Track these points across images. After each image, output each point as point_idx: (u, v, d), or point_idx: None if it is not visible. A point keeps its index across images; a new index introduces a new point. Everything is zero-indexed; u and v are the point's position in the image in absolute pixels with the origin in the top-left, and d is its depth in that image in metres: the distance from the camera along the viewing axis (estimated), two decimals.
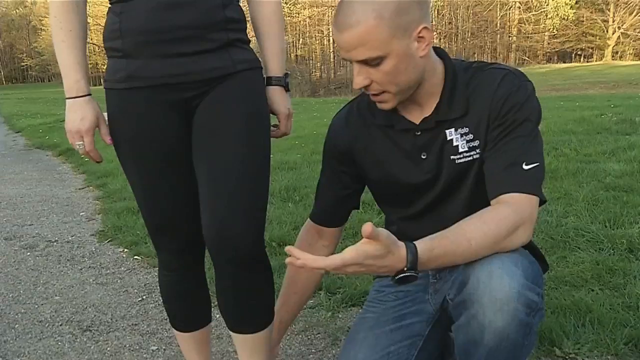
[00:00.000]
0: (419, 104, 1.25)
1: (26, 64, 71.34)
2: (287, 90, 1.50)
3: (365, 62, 1.14)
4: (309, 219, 1.57)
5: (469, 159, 1.25)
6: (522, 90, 1.18)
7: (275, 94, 1.47)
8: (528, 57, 45.93)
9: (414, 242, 1.07)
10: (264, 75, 1.47)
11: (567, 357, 1.75)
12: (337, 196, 1.47)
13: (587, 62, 42.82)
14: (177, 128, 1.37)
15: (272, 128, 1.48)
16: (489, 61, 1.27)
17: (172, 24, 1.27)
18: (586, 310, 1.96)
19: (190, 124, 1.38)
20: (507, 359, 1.11)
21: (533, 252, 1.31)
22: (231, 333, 1.51)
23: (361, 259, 1.01)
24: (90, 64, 53.39)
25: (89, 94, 1.37)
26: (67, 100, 1.36)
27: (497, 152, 1.20)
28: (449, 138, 1.25)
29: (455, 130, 1.24)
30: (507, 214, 1.14)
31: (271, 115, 1.47)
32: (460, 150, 1.24)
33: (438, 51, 1.28)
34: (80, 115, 1.34)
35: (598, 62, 39.47)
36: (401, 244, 1.05)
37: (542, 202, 1.19)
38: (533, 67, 36.86)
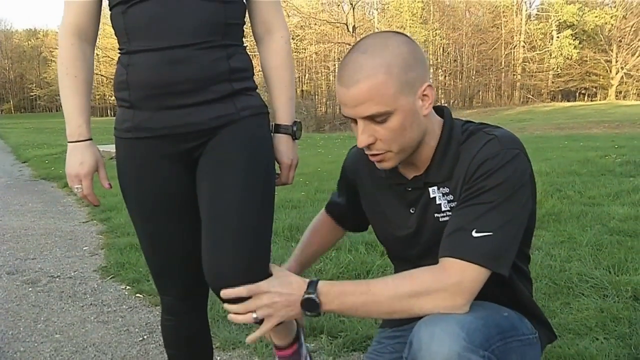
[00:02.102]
0: (413, 163, 1.26)
1: (35, 94, 72.20)
2: (295, 138, 1.50)
3: (371, 119, 1.14)
4: (323, 209, 1.66)
5: (448, 218, 1.24)
6: (499, 157, 1.14)
7: (282, 142, 1.48)
8: (532, 96, 46.22)
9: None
10: (273, 122, 1.49)
11: None
12: (348, 205, 1.54)
13: (591, 101, 43.05)
14: (179, 178, 1.39)
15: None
16: (488, 122, 1.25)
17: (175, 79, 1.29)
18: None
19: (193, 173, 1.39)
20: None
21: (536, 319, 1.30)
22: None
23: (269, 286, 1.22)
24: (98, 94, 53.97)
25: (90, 139, 1.40)
26: (69, 144, 1.39)
27: (454, 215, 1.19)
28: (432, 196, 1.25)
29: (438, 189, 1.24)
30: (425, 276, 1.15)
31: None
32: (443, 209, 1.24)
33: (440, 109, 1.29)
34: (80, 159, 1.37)
35: (602, 102, 39.67)
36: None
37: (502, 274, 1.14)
38: (537, 106, 37.07)
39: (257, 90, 1.45)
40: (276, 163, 1.49)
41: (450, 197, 1.23)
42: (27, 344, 2.47)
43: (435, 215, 1.25)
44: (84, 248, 4.15)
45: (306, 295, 1.19)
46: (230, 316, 1.25)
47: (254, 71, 1.46)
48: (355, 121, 1.17)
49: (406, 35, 1.17)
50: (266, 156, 1.42)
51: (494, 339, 1.12)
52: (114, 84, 1.39)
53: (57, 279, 3.40)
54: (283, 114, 1.49)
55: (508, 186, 1.13)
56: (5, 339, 2.53)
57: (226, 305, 1.27)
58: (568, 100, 43.99)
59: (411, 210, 1.29)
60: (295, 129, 1.49)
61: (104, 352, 2.36)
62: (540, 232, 3.70)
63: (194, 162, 1.38)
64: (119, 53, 1.37)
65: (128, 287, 3.17)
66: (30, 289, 3.23)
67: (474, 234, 1.13)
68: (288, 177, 1.51)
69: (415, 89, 1.14)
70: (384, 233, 1.39)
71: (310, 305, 1.18)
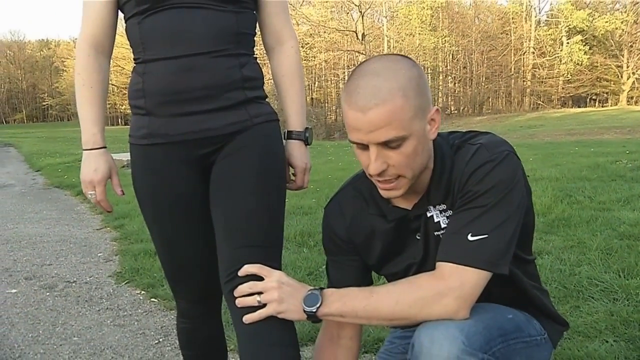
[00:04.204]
0: (414, 190, 1.23)
1: (47, 104, 72.88)
2: (307, 144, 1.54)
3: (386, 145, 1.11)
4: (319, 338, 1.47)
5: None
6: (489, 162, 1.15)
7: (295, 148, 1.52)
8: (542, 102, 46.04)
9: None
10: (284, 129, 1.53)
11: None
12: (351, 282, 1.34)
13: (602, 106, 42.81)
14: (194, 183, 1.43)
15: (289, 179, 1.53)
16: (498, 129, 1.26)
17: (190, 86, 1.34)
18: None
19: (207, 180, 1.43)
20: None
21: (545, 314, 1.33)
22: None
23: (284, 279, 1.26)
24: (109, 103, 54.40)
25: (104, 147, 1.45)
26: (84, 152, 1.44)
27: (450, 222, 1.21)
28: (429, 215, 1.26)
29: (434, 207, 1.25)
30: (425, 283, 1.16)
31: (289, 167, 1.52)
32: (443, 226, 1.24)
33: None
34: (94, 166, 1.42)
35: (613, 107, 39.40)
36: None
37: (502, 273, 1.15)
38: (547, 112, 36.89)
39: (267, 99, 1.50)
40: (290, 168, 1.53)
41: (449, 212, 1.23)
42: (47, 346, 2.53)
43: (436, 233, 1.25)
44: (99, 254, 4.21)
45: (311, 291, 1.24)
46: (238, 300, 1.28)
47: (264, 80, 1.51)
48: (363, 147, 1.14)
49: (410, 58, 1.17)
50: (278, 162, 1.46)
51: (495, 341, 1.14)
52: (129, 92, 1.44)
53: (74, 284, 3.46)
54: (295, 120, 1.53)
55: (500, 188, 1.14)
56: (26, 341, 2.59)
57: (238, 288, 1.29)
58: (579, 106, 43.78)
59: (417, 237, 1.28)
60: (307, 135, 1.54)
61: (120, 354, 2.41)
62: (550, 236, 3.71)
63: (208, 168, 1.42)
64: (135, 63, 1.42)
65: (143, 292, 3.22)
66: (47, 294, 3.29)
67: (470, 237, 1.14)
68: (303, 180, 1.55)
69: (426, 113, 1.13)
70: (394, 269, 1.35)
71: (311, 299, 1.22)
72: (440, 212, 1.24)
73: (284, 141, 1.52)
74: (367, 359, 2.18)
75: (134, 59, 1.41)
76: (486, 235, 1.13)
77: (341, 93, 1.17)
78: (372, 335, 2.30)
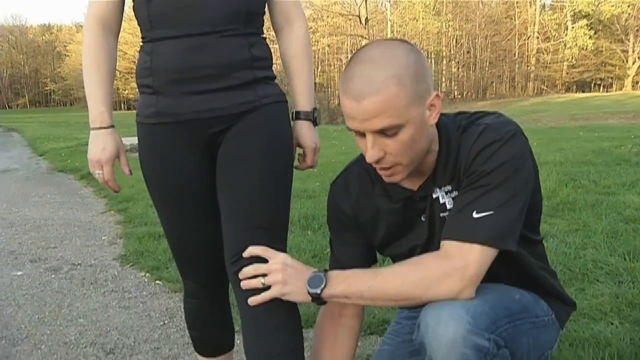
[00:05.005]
0: (419, 171, 1.23)
1: (50, 89, 72.81)
2: (315, 124, 1.54)
3: (382, 132, 1.10)
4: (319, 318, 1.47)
5: None
6: (495, 143, 1.15)
7: (303, 128, 1.51)
8: (546, 87, 45.82)
9: None
10: (292, 110, 1.52)
11: None
12: (356, 262, 1.37)
13: (607, 91, 42.58)
14: (201, 163, 1.42)
15: (298, 159, 1.52)
16: (494, 111, 1.23)
17: (199, 64, 1.33)
18: (605, 343, 1.95)
19: (214, 159, 1.42)
20: None
21: (552, 295, 1.33)
22: None
23: (288, 261, 1.26)
24: None
25: (112, 126, 1.44)
26: (91, 131, 1.43)
27: (455, 202, 1.20)
28: (435, 196, 1.25)
29: (440, 188, 1.24)
30: (430, 263, 1.16)
31: (298, 148, 1.52)
32: (448, 207, 1.23)
33: None
34: (101, 145, 1.41)
35: (618, 92, 39.20)
36: None
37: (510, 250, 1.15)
38: (552, 97, 36.73)
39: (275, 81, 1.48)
40: (298, 148, 1.52)
41: (455, 193, 1.22)
42: (53, 327, 2.54)
43: (441, 215, 1.24)
44: (103, 237, 4.22)
45: (315, 273, 1.24)
46: (242, 282, 1.29)
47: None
48: (361, 134, 1.14)
49: (410, 43, 1.16)
50: (286, 144, 1.45)
51: (502, 321, 1.13)
52: (137, 71, 1.43)
53: (79, 267, 3.48)
54: (303, 101, 1.52)
55: (507, 167, 1.13)
56: (32, 322, 2.60)
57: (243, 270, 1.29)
58: (583, 91, 43.55)
59: (422, 219, 1.28)
60: (315, 115, 1.53)
61: (126, 335, 2.42)
62: (555, 220, 3.71)
63: (215, 149, 1.42)
64: (142, 42, 1.40)
65: (148, 274, 3.23)
66: (53, 276, 3.31)
67: (475, 214, 1.13)
68: (313, 160, 1.54)
69: (424, 99, 1.12)
70: (398, 250, 1.34)
71: (316, 281, 1.22)
72: (446, 193, 1.23)
73: (291, 122, 1.51)
74: (373, 340, 2.19)
75: (142, 38, 1.40)
76: (491, 212, 1.12)
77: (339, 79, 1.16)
78: (377, 317, 2.30)
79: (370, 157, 1.13)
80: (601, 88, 45.92)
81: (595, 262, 2.78)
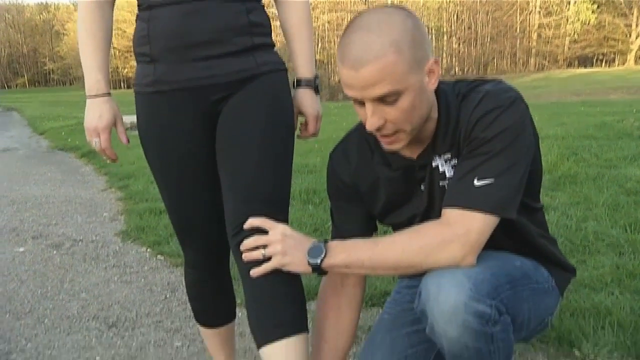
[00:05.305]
0: (419, 139, 1.21)
1: (48, 68, 72.45)
2: (317, 92, 1.52)
3: (382, 100, 1.09)
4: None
5: None
6: (495, 109, 1.13)
7: (305, 95, 1.49)
8: (548, 62, 45.53)
9: None
10: (294, 77, 1.50)
11: (586, 359, 1.76)
12: (356, 230, 1.35)
13: (609, 67, 42.31)
14: (201, 132, 1.40)
15: (300, 128, 1.51)
16: (493, 78, 1.21)
17: (196, 29, 1.31)
18: (606, 313, 1.96)
19: (214, 129, 1.41)
20: None
21: (552, 262, 1.33)
22: (261, 351, 1.30)
23: (288, 231, 1.25)
24: (110, 67, 54.05)
25: (108, 94, 1.42)
26: (87, 100, 1.41)
27: (456, 170, 1.18)
28: (434, 165, 1.23)
29: (440, 156, 1.22)
30: (430, 230, 1.15)
31: (299, 117, 1.50)
32: (448, 175, 1.22)
33: None
34: (98, 113, 1.39)
35: (620, 67, 38.96)
36: None
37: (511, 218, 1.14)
38: (553, 72, 36.53)
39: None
40: (299, 117, 1.51)
41: (454, 161, 1.21)
42: (55, 302, 2.56)
43: (441, 184, 1.23)
44: (104, 214, 4.23)
45: (315, 243, 1.23)
46: (244, 255, 1.27)
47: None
48: (360, 103, 1.12)
49: (407, 9, 1.13)
50: (286, 114, 1.43)
51: (503, 288, 1.13)
52: (134, 40, 1.40)
53: (80, 243, 3.48)
54: (305, 68, 1.50)
55: (508, 134, 1.12)
56: (35, 297, 2.62)
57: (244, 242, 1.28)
58: (585, 67, 43.26)
59: (422, 188, 1.26)
60: (317, 82, 1.51)
61: (128, 309, 2.43)
62: (556, 193, 3.70)
63: (214, 117, 1.40)
64: (139, 10, 1.38)
65: (149, 250, 3.24)
66: (54, 252, 3.32)
67: (476, 182, 1.12)
68: (316, 127, 1.53)
69: (423, 65, 1.10)
70: (398, 219, 1.33)
71: (315, 251, 1.21)
72: (446, 161, 1.22)
73: (292, 90, 1.49)
74: (374, 312, 2.20)
75: (138, 6, 1.38)
76: (492, 180, 1.11)
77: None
78: (379, 289, 2.31)
79: (370, 126, 1.12)
80: (603, 63, 45.60)
81: (597, 234, 2.78)
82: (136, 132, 1.45)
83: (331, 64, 42.59)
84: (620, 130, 6.29)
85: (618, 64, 43.29)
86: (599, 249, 2.61)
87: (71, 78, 68.38)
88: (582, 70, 38.40)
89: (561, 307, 1.97)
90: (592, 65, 44.61)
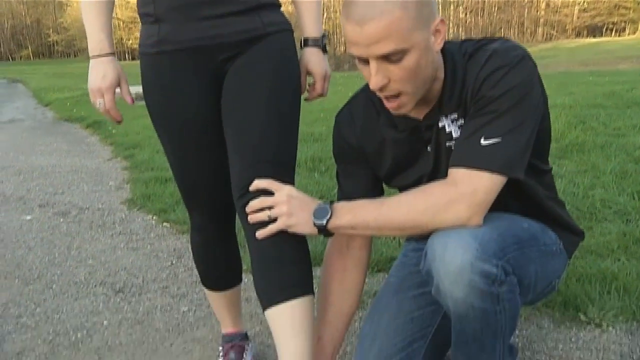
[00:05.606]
0: (425, 100, 1.19)
1: (52, 39, 72.08)
2: (324, 52, 1.50)
3: (386, 58, 1.07)
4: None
5: None
6: (503, 67, 1.11)
7: (312, 54, 1.47)
8: (556, 32, 44.91)
9: None
10: (301, 37, 1.48)
11: (592, 323, 1.76)
12: (362, 193, 1.34)
13: (619, 36, 41.68)
14: (206, 93, 1.39)
15: (308, 89, 1.49)
16: (500, 36, 1.18)
17: None
18: (612, 278, 1.96)
19: (220, 89, 1.39)
20: (484, 327, 1.13)
21: (560, 224, 1.32)
22: (266, 313, 1.30)
23: (294, 193, 1.24)
24: (115, 38, 53.76)
25: (112, 54, 1.40)
26: (91, 60, 1.39)
27: (462, 130, 1.17)
28: (441, 125, 1.22)
29: (446, 116, 1.21)
30: (437, 190, 1.13)
31: (307, 77, 1.48)
32: (454, 136, 1.21)
33: None
34: (102, 73, 1.37)
35: (631, 36, 38.37)
36: None
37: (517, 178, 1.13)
38: (562, 42, 36.05)
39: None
40: (308, 77, 1.49)
41: (461, 121, 1.19)
42: (63, 268, 2.58)
43: (448, 144, 1.22)
44: (110, 183, 4.23)
45: (321, 205, 1.22)
46: (250, 216, 1.27)
47: None
48: (364, 61, 1.10)
49: None
50: (293, 76, 1.41)
51: (510, 248, 1.12)
52: (138, 1, 1.38)
53: (86, 211, 3.50)
54: (312, 28, 1.48)
55: (515, 92, 1.10)
56: (43, 264, 2.64)
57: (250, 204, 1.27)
58: (594, 36, 42.65)
59: (428, 149, 1.25)
60: (324, 41, 1.49)
61: (135, 275, 2.45)
62: (563, 161, 3.68)
63: (220, 78, 1.38)
64: None
65: (155, 217, 3.25)
66: (61, 220, 3.33)
67: (483, 141, 1.10)
68: (324, 87, 1.51)
69: (429, 24, 1.08)
70: (405, 181, 1.32)
71: (321, 212, 1.21)
72: (453, 121, 1.21)
73: (300, 50, 1.47)
74: (380, 277, 2.20)
75: None
76: (500, 139, 1.10)
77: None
78: (385, 255, 2.31)
79: (373, 84, 1.10)
80: (613, 32, 44.91)
81: (604, 201, 2.77)
82: (143, 102, 1.43)
83: (337, 34, 42.15)
84: (629, 99, 6.22)
85: (629, 33, 42.63)
86: (606, 217, 2.60)
87: (75, 50, 68.08)
88: (591, 39, 37.87)
89: (567, 273, 1.97)
90: (601, 35, 43.98)
